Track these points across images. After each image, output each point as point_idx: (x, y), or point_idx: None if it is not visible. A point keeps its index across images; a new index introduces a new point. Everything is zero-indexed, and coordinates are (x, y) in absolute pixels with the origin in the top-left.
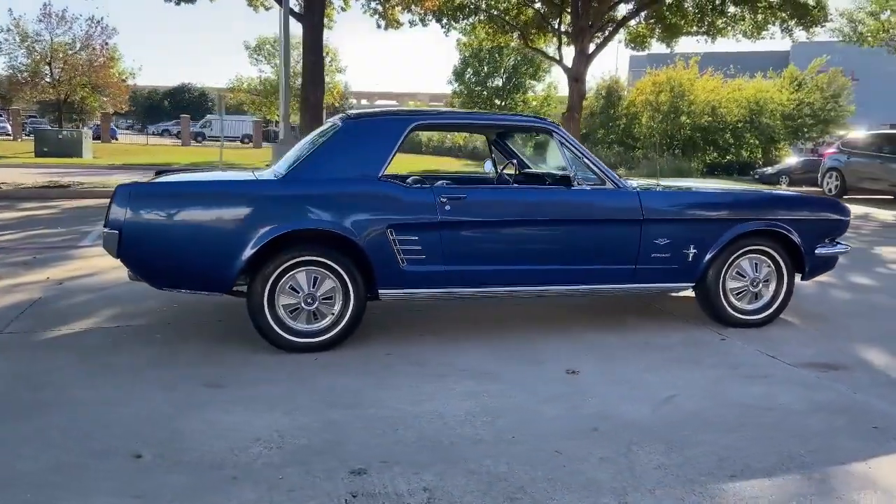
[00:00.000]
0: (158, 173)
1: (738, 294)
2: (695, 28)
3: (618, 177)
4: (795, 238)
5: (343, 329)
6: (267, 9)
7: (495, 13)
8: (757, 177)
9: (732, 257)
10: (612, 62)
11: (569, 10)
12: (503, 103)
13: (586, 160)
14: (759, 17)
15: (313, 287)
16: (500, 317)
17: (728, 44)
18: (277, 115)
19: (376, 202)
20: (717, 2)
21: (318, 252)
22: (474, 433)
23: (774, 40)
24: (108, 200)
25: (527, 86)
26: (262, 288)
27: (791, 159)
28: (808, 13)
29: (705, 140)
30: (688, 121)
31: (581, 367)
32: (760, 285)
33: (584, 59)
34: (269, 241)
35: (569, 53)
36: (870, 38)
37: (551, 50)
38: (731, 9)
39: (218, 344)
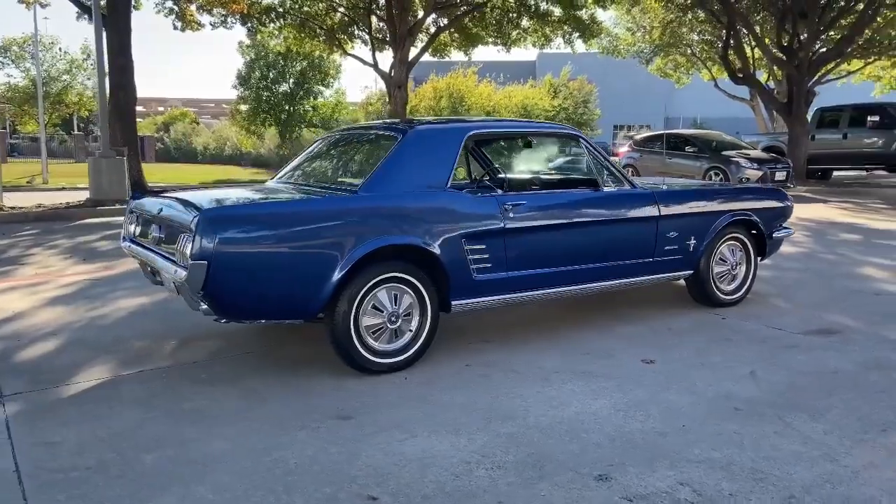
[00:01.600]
0: (143, 194)
1: (720, 277)
2: (491, 39)
3: (633, 179)
4: (761, 225)
5: (422, 345)
6: (43, 6)
7: (303, 17)
8: None
9: (718, 245)
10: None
11: (379, 17)
12: (292, 108)
13: (607, 164)
14: (548, 29)
15: (395, 304)
16: (529, 317)
17: (485, 53)
18: (34, 125)
19: (451, 212)
20: (514, 15)
21: (400, 268)
22: (650, 427)
23: (521, 51)
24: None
25: (316, 92)
26: (349, 309)
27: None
28: (587, 28)
29: None
30: None
31: (646, 356)
32: (737, 268)
33: (404, 66)
34: (359, 260)
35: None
36: (622, 51)
37: (370, 56)
38: (525, 22)
39: (295, 375)
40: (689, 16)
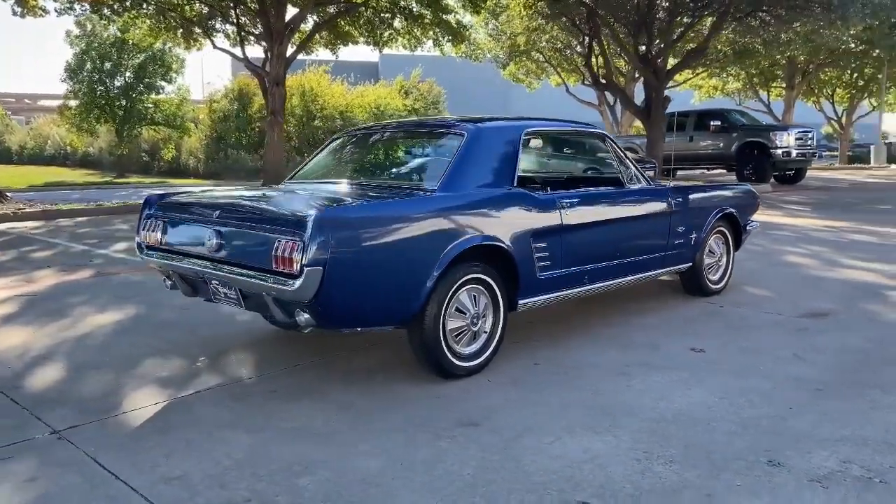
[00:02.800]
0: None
1: (709, 268)
2: (363, 39)
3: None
4: (739, 218)
5: (495, 346)
6: None
7: (164, 6)
8: None
9: (709, 238)
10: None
11: (249, 10)
12: (130, 105)
13: (629, 162)
14: (419, 31)
15: (476, 306)
16: (540, 316)
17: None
18: None
19: (521, 211)
20: (387, 15)
21: (480, 268)
22: (764, 412)
23: (365, 52)
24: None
25: (158, 87)
26: (438, 312)
27: None
28: (456, 32)
29: None
30: (321, 125)
31: (687, 346)
32: (721, 259)
33: (282, 62)
34: (451, 261)
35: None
36: (479, 55)
37: (235, 50)
38: (397, 23)
39: (372, 385)
40: (551, 24)
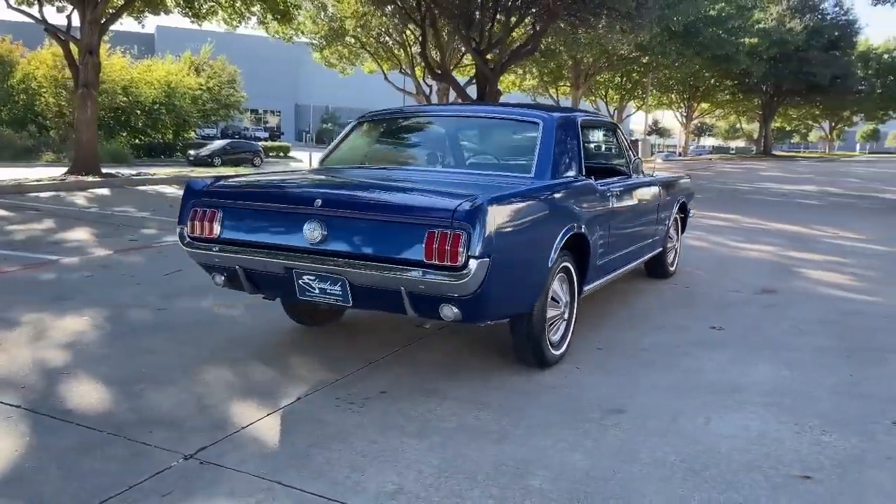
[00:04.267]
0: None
1: (668, 252)
2: (178, 10)
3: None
4: (689, 205)
5: (571, 333)
6: None
7: None
8: (192, 158)
9: (672, 225)
10: None
11: None
12: None
13: (631, 153)
14: (242, 6)
15: (564, 293)
16: None
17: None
18: None
19: (591, 198)
20: None
21: (567, 256)
22: (848, 378)
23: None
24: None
25: None
26: (545, 300)
27: (219, 142)
28: (284, 11)
29: (119, 121)
30: (102, 101)
31: (705, 324)
32: (676, 244)
33: (96, 28)
34: (560, 248)
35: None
36: (292, 36)
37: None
38: None
39: (458, 379)
40: (380, 11)
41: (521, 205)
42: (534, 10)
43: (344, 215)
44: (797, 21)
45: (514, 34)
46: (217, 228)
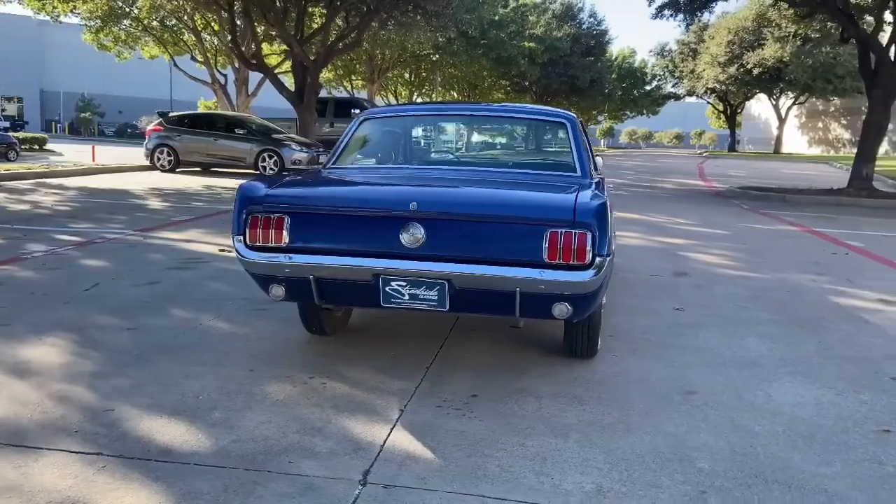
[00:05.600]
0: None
1: None
2: None
3: None
4: None
5: None
6: None
7: None
8: None
9: None
10: None
11: None
12: None
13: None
14: None
15: None
16: None
17: None
18: None
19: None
20: None
21: None
22: (820, 346)
23: None
24: None
25: None
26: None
27: None
28: None
29: None
30: None
31: (668, 306)
32: None
33: None
34: None
35: None
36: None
37: None
38: None
39: (541, 370)
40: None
41: (608, 203)
42: (358, 4)
43: (448, 217)
44: (562, 29)
45: (334, 27)
46: (286, 236)
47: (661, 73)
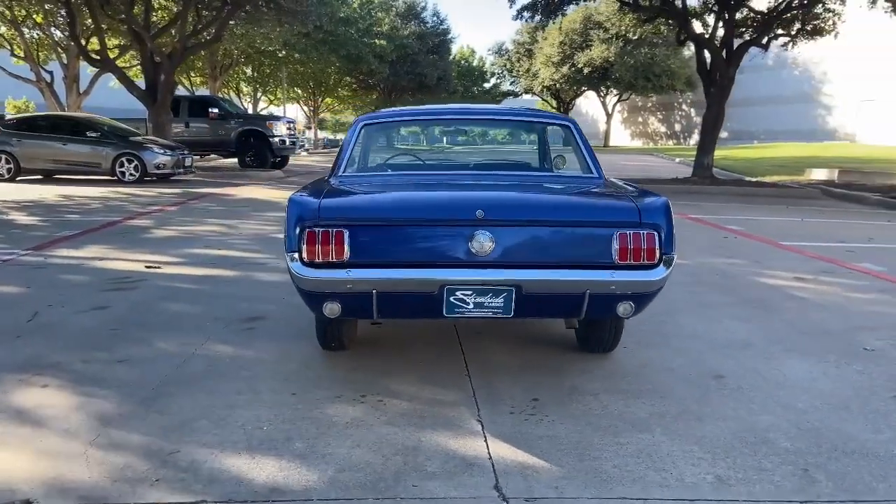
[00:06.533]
0: None
1: None
2: None
3: None
4: None
5: None
6: None
7: None
8: None
9: None
10: None
11: None
12: None
13: None
14: None
15: None
16: None
17: None
18: None
19: None
20: None
21: None
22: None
23: None
24: None
25: None
26: None
27: None
28: None
29: None
30: None
31: None
32: None
33: None
34: None
35: None
36: None
37: None
38: None
39: (578, 370)
40: None
41: (670, 202)
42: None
43: (515, 223)
44: (407, 28)
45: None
46: (346, 251)
47: (500, 72)
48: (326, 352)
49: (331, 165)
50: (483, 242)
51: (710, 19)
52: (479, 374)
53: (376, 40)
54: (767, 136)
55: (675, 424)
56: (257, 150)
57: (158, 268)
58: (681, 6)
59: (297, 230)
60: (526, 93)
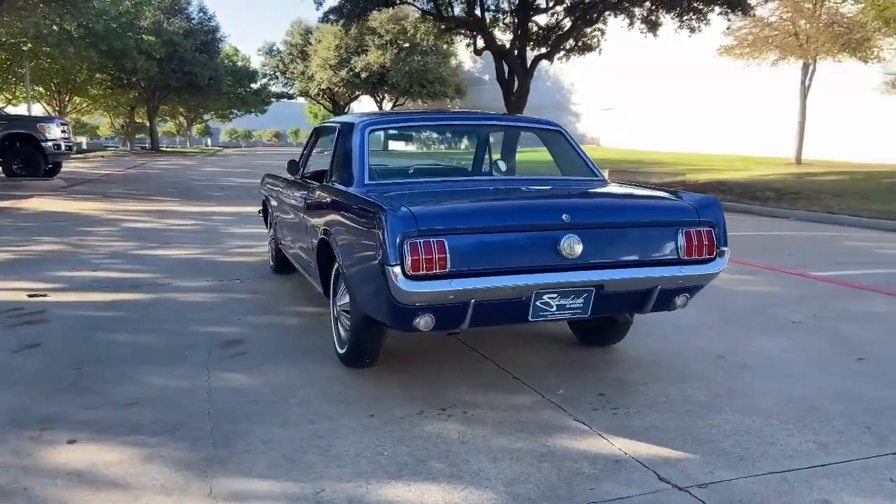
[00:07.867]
0: None
1: None
2: None
3: None
4: None
5: None
6: None
7: None
8: None
9: None
10: None
11: None
12: None
13: None
14: None
15: None
16: None
17: None
18: None
19: None
20: None
21: None
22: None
23: None
24: None
25: None
26: None
27: None
28: None
29: None
30: None
31: None
32: None
33: None
34: None
35: None
36: None
37: None
38: None
39: (620, 364)
40: None
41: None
42: None
43: (598, 226)
44: (172, 23)
45: None
46: (448, 261)
47: (273, 73)
48: (351, 370)
49: (300, 169)
50: (573, 245)
51: (507, 36)
52: (525, 375)
53: (143, 35)
54: (530, 141)
55: (733, 404)
56: (28, 156)
57: (45, 295)
58: (481, 17)
59: (399, 241)
60: (302, 95)
